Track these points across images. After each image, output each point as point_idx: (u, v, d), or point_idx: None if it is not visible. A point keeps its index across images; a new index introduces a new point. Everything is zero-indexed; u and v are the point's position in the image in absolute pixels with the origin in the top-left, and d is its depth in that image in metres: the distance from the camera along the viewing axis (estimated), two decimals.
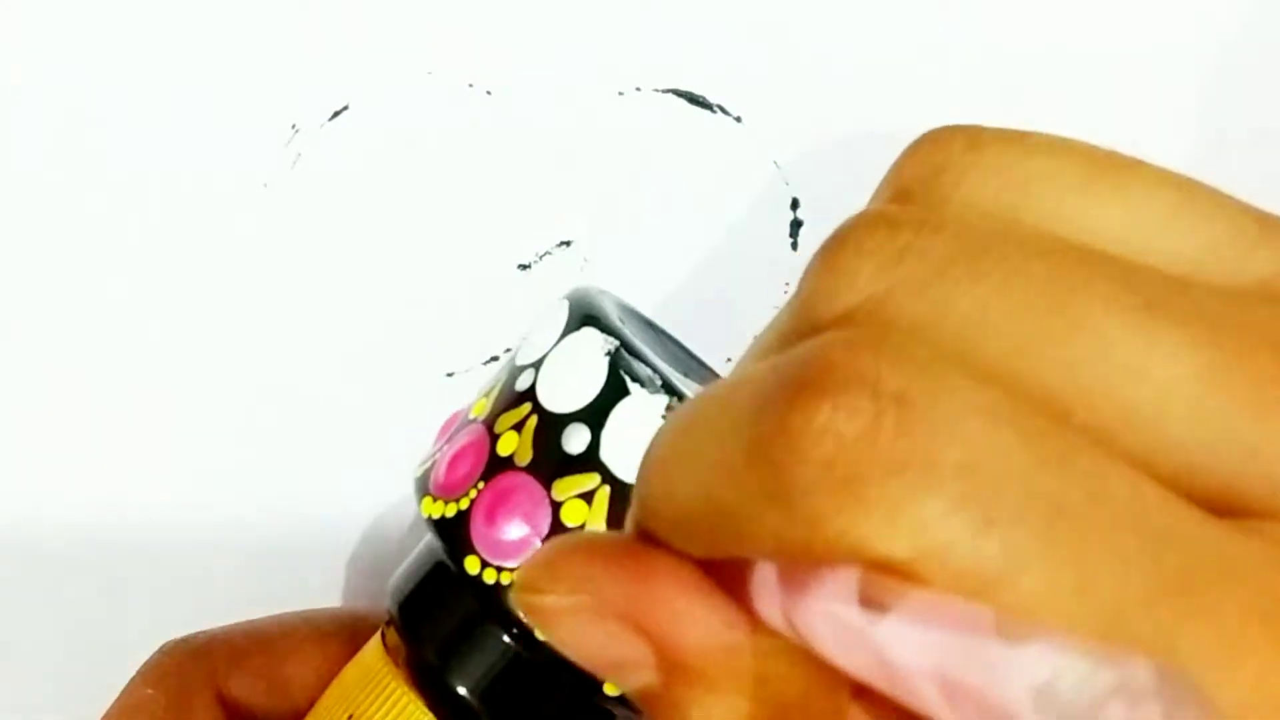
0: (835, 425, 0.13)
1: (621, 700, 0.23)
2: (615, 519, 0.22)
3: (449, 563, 0.24)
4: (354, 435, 0.32)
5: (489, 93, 0.32)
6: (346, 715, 0.25)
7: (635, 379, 0.23)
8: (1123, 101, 0.32)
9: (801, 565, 0.13)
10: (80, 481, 0.32)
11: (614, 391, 0.23)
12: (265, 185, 0.32)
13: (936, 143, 0.17)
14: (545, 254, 0.32)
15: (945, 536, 0.12)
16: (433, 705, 0.24)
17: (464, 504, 0.24)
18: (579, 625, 0.14)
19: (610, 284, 0.32)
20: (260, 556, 0.32)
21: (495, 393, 0.25)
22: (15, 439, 0.32)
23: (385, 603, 0.26)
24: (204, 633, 0.28)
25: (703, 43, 0.32)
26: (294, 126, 0.32)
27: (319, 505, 0.33)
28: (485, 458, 0.24)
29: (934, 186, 0.16)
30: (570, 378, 0.23)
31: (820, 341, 0.13)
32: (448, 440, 0.25)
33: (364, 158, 0.32)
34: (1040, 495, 0.12)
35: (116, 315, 0.32)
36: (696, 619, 0.14)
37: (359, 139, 0.32)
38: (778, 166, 0.32)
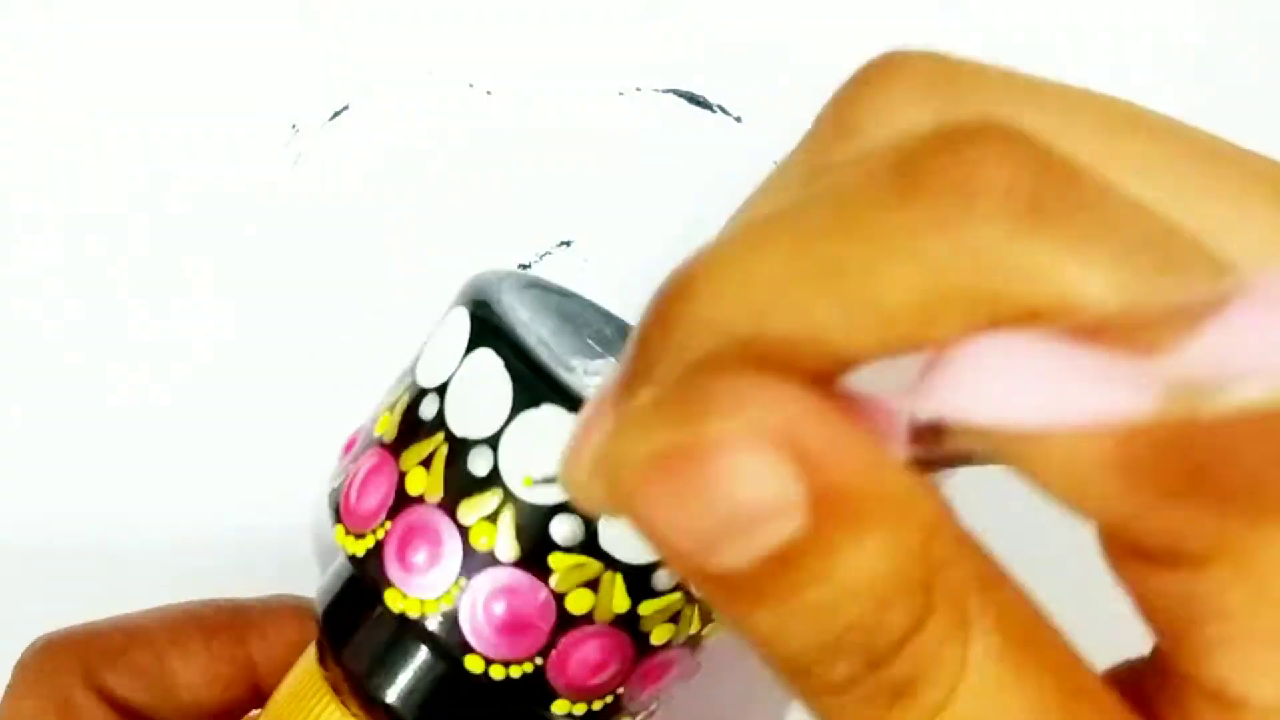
0: (1010, 161, 0.12)
1: (512, 684, 0.23)
2: (519, 533, 0.22)
3: (369, 593, 0.24)
4: None
5: (489, 93, 0.32)
6: None
7: (538, 400, 0.22)
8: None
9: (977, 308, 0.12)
10: (80, 481, 0.32)
11: (517, 412, 0.23)
12: (265, 185, 0.32)
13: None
14: (545, 254, 0.32)
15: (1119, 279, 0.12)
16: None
17: (377, 536, 0.24)
18: (740, 460, 0.12)
19: (610, 284, 0.32)
20: (260, 556, 0.32)
21: (399, 411, 0.24)
22: (15, 439, 0.32)
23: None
24: (75, 629, 0.27)
25: (703, 43, 0.32)
26: (294, 126, 0.32)
27: (319, 505, 0.33)
28: (393, 492, 0.24)
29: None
30: (478, 404, 0.23)
31: (953, 124, 0.13)
32: (353, 460, 0.25)
33: (364, 158, 0.32)
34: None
35: (117, 315, 0.32)
36: (848, 447, 0.12)
37: (359, 139, 0.32)
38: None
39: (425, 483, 0.23)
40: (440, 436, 0.23)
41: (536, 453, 0.22)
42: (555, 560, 0.22)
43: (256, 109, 0.32)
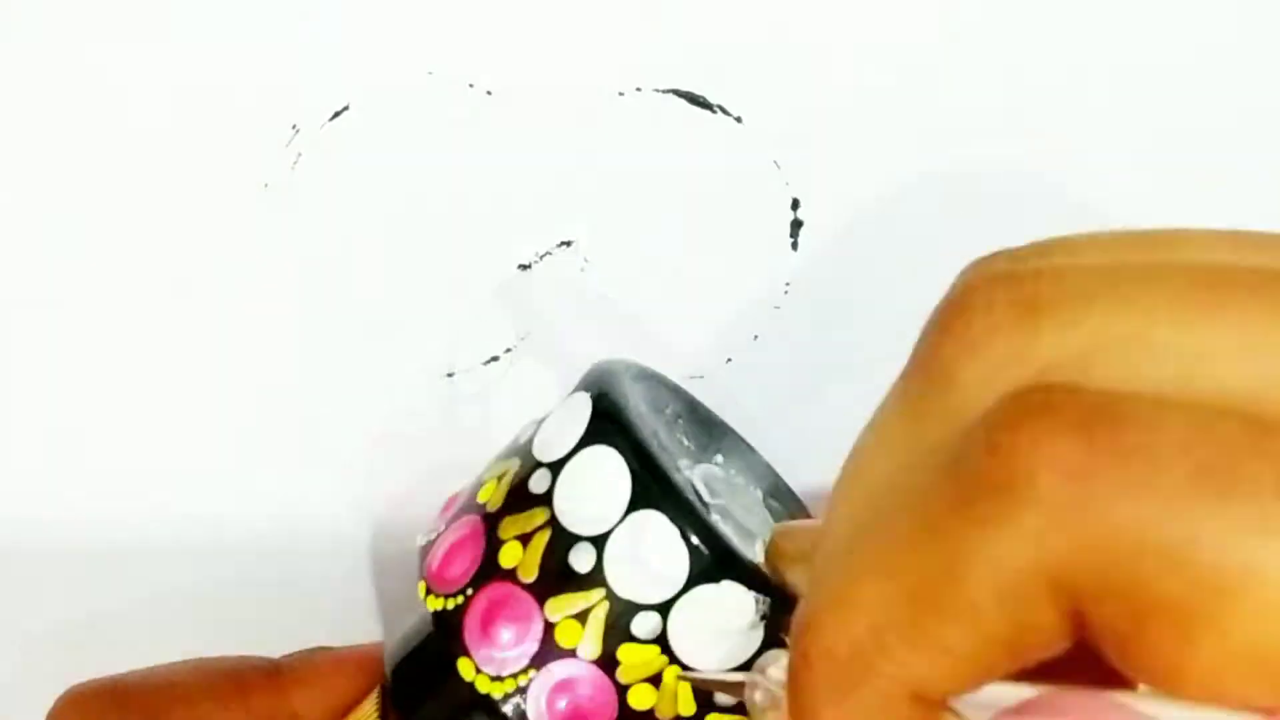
0: (1072, 445, 0.13)
1: None
2: (609, 631, 0.23)
3: (444, 657, 0.24)
4: (354, 435, 0.32)
5: (489, 93, 0.32)
6: None
7: (654, 504, 0.23)
8: (1123, 101, 0.32)
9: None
10: (80, 481, 0.32)
11: (630, 512, 0.23)
12: (265, 185, 0.32)
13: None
14: (545, 254, 0.32)
15: None
16: None
17: (458, 601, 0.24)
18: None
19: (610, 284, 0.32)
20: (260, 556, 0.32)
21: (506, 482, 0.25)
22: (15, 439, 0.32)
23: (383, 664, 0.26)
24: (104, 681, 0.26)
25: (703, 43, 0.32)
26: (294, 126, 0.32)
27: (319, 505, 0.33)
28: (480, 559, 0.24)
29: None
30: (591, 497, 0.23)
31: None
32: (449, 521, 0.25)
33: (364, 158, 0.32)
34: None
35: (117, 315, 0.32)
36: None
37: (359, 139, 0.32)
38: (778, 166, 0.32)
39: (519, 560, 0.23)
40: (544, 516, 0.23)
41: (642, 557, 0.23)
42: (624, 652, 0.23)
43: (256, 109, 0.32)
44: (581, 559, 0.23)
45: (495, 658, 0.23)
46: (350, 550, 0.33)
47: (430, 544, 0.25)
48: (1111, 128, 0.32)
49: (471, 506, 0.25)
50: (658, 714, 0.23)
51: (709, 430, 0.28)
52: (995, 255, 0.16)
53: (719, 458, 0.27)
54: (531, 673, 0.23)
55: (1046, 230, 0.33)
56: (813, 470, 0.31)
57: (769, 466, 0.29)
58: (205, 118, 0.32)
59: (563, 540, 0.23)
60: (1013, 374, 0.14)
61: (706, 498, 0.25)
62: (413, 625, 0.26)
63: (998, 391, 0.14)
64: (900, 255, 0.32)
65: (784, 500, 0.28)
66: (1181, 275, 0.14)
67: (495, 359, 0.32)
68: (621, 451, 0.23)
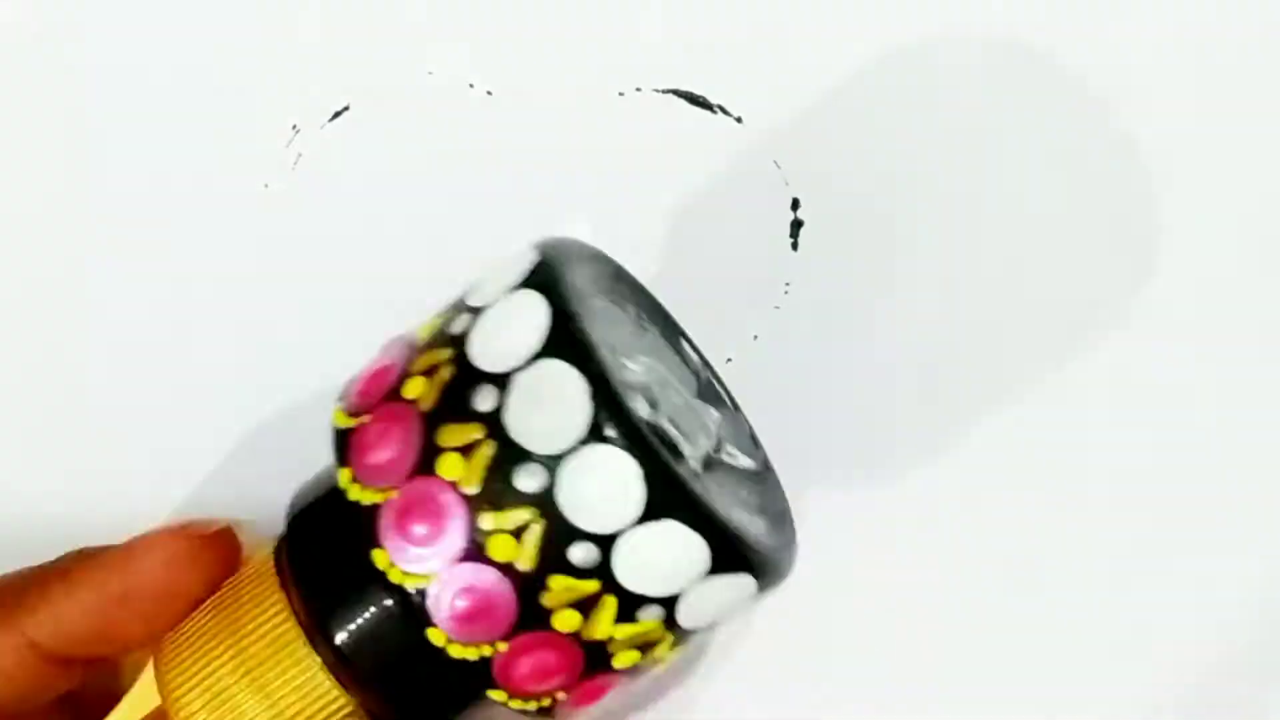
0: None
1: (467, 665, 0.23)
2: (544, 553, 0.22)
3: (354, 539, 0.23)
4: None
5: (489, 93, 0.32)
6: (225, 639, 0.25)
7: (604, 438, 0.22)
8: (1123, 102, 0.32)
9: None
10: (80, 481, 0.32)
11: (586, 443, 0.22)
12: (265, 185, 0.32)
13: None
14: None
15: None
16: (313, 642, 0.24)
17: (387, 496, 0.23)
18: None
19: None
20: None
21: (440, 378, 0.24)
22: (15, 439, 0.32)
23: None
24: None
25: (703, 43, 0.32)
26: (294, 126, 0.32)
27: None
28: (416, 459, 0.23)
29: None
30: (544, 417, 0.22)
31: None
32: (376, 405, 0.25)
33: (364, 158, 0.32)
34: None
35: (116, 315, 0.32)
36: None
37: (359, 139, 0.32)
38: (778, 166, 0.32)
39: (461, 471, 0.23)
40: (483, 430, 0.23)
41: (594, 490, 0.22)
42: (554, 580, 0.23)
43: (256, 109, 0.32)
44: (527, 481, 0.22)
45: (411, 554, 0.23)
46: None
47: (357, 425, 0.24)
48: (1112, 128, 0.32)
49: (396, 397, 0.24)
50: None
51: (641, 315, 0.27)
52: None
53: (644, 357, 0.27)
54: (444, 572, 0.23)
55: (1046, 229, 0.33)
56: (813, 470, 0.31)
57: (697, 361, 0.28)
58: (205, 118, 0.32)
59: (509, 456, 0.22)
60: None
61: (651, 415, 0.25)
62: (314, 490, 0.26)
63: None
64: (900, 255, 0.32)
65: (710, 398, 0.28)
66: None
67: None
68: (583, 373, 0.22)
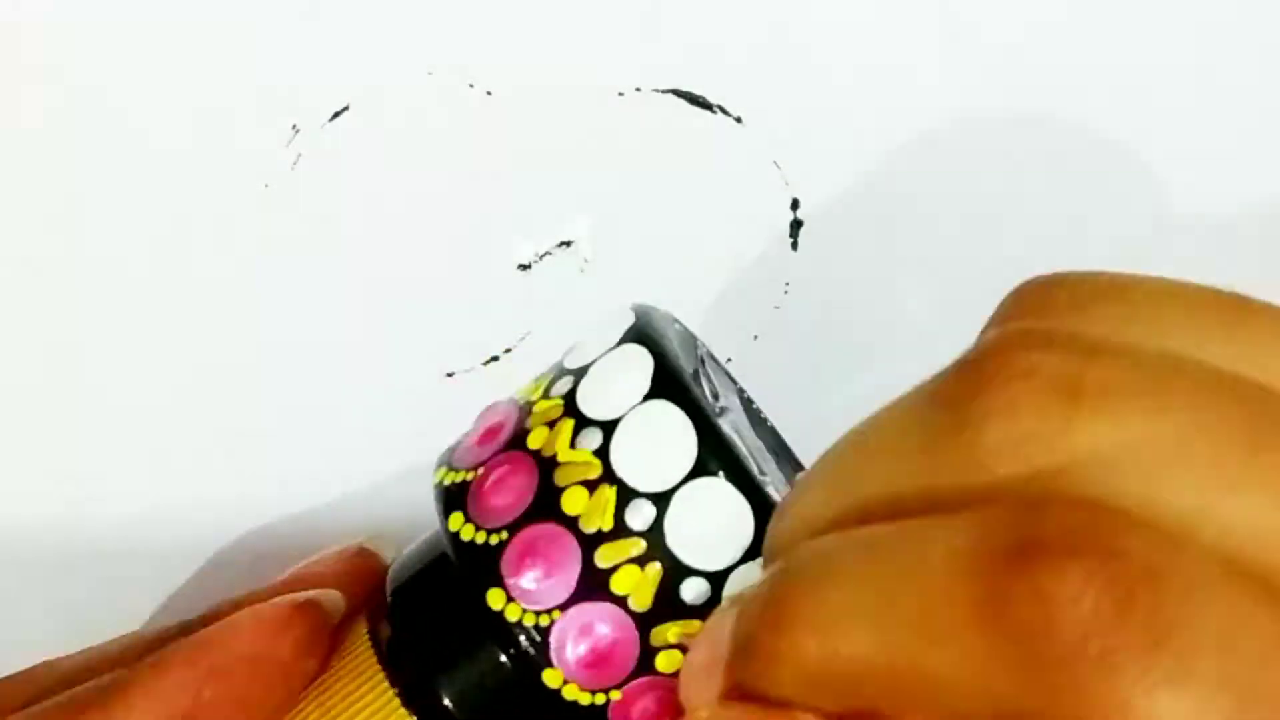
0: (1089, 595, 0.12)
1: None
2: (659, 589, 0.23)
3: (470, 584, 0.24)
4: (353, 435, 0.32)
5: (489, 93, 0.32)
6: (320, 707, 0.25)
7: (713, 470, 0.23)
8: (1124, 104, 0.32)
9: None
10: (80, 481, 0.32)
11: (693, 477, 0.23)
12: (265, 185, 0.32)
13: (1039, 289, 0.16)
14: (545, 254, 0.32)
15: None
16: (414, 708, 0.24)
17: (501, 536, 0.24)
18: None
19: (610, 285, 0.32)
20: (256, 557, 0.32)
21: (560, 433, 0.24)
22: (14, 439, 0.32)
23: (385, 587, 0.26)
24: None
25: (703, 43, 0.32)
26: (294, 127, 0.32)
27: (318, 505, 0.33)
28: (533, 498, 0.24)
29: (1063, 322, 0.16)
30: (650, 455, 0.23)
31: (1048, 502, 0.13)
32: (492, 454, 0.25)
33: (364, 158, 0.32)
34: None
35: (116, 315, 0.32)
36: None
37: (359, 139, 0.32)
38: (778, 166, 0.32)
39: (582, 509, 0.23)
40: (600, 471, 0.23)
41: (700, 521, 0.23)
42: (667, 620, 0.23)
43: (256, 109, 0.32)
44: (636, 518, 0.23)
45: (529, 591, 0.23)
46: None
47: (473, 478, 0.25)
48: (1113, 128, 0.32)
49: (519, 444, 0.25)
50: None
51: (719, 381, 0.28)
52: (1051, 290, 0.16)
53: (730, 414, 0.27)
54: (560, 612, 0.23)
55: (1046, 230, 0.33)
56: None
57: (774, 432, 0.29)
58: (205, 118, 0.32)
59: (624, 497, 0.23)
60: (1040, 454, 0.14)
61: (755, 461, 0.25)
62: (420, 552, 0.26)
63: (1021, 465, 0.14)
64: (900, 255, 0.32)
65: (786, 464, 0.28)
66: (1230, 397, 0.14)
67: (495, 359, 0.32)
68: (684, 409, 0.23)
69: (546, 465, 0.24)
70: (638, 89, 0.32)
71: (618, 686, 0.23)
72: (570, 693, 0.23)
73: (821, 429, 0.32)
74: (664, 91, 0.32)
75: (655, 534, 0.23)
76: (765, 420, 0.29)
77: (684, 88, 0.32)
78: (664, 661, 0.23)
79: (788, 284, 0.32)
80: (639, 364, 0.24)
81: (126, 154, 0.32)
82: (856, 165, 0.32)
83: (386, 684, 0.25)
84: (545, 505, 0.23)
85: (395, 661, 0.25)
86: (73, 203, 0.32)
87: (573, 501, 0.23)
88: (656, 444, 0.23)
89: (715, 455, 0.23)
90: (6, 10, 0.32)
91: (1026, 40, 0.32)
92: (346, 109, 0.32)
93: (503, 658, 0.24)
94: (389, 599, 0.26)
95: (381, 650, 0.25)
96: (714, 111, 0.32)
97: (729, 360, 0.32)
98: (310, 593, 0.27)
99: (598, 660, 0.23)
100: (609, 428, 0.24)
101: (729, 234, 0.32)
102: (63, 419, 0.32)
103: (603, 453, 0.23)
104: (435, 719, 0.24)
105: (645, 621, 0.23)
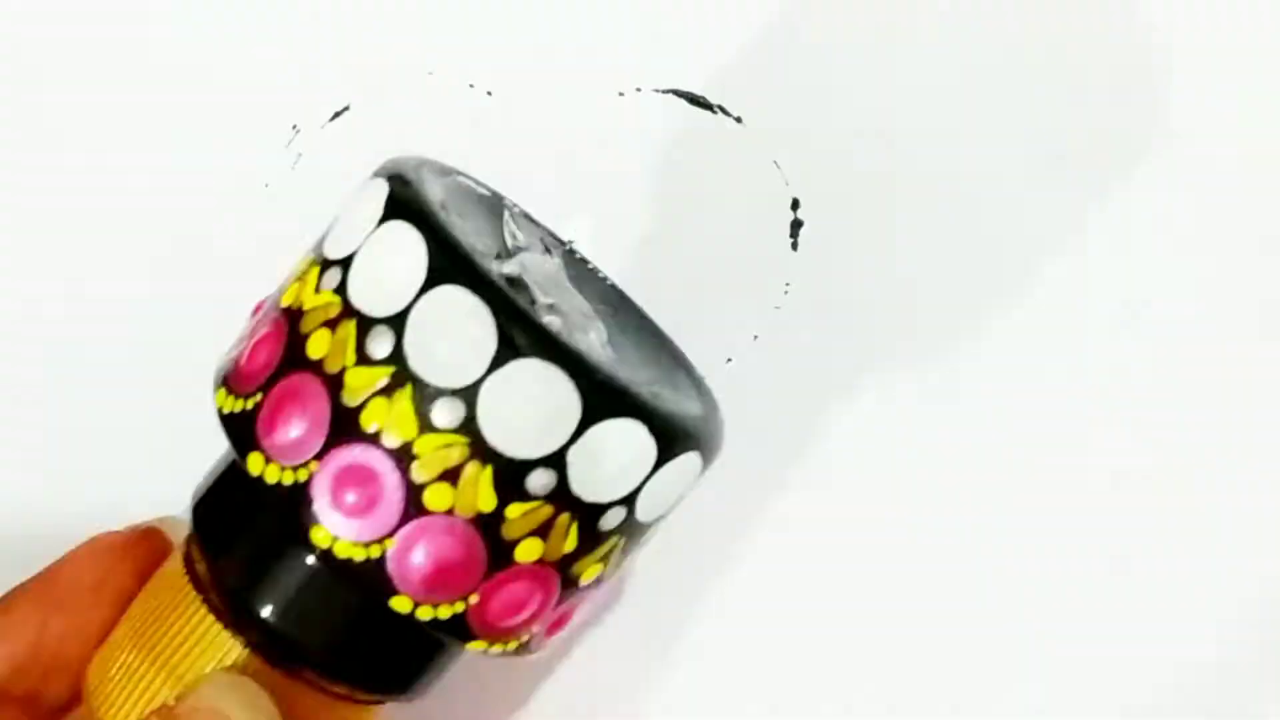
0: None
1: (439, 625, 0.22)
2: (409, 417, 0.21)
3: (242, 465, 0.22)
4: None
5: (489, 93, 0.32)
6: (144, 639, 0.24)
7: (449, 279, 0.21)
8: (1125, 103, 0.32)
9: None
10: (79, 481, 0.32)
11: (426, 290, 0.21)
12: (265, 185, 0.32)
13: None
14: None
15: None
16: (237, 626, 0.23)
17: (257, 399, 0.22)
18: None
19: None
20: None
21: (308, 284, 0.23)
22: (14, 439, 0.32)
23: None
24: None
25: (703, 43, 0.32)
26: (294, 126, 0.32)
27: None
28: (282, 352, 0.22)
29: None
30: (385, 279, 0.22)
31: None
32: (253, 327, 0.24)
33: (364, 158, 0.32)
34: None
35: (116, 315, 0.32)
36: None
37: (359, 139, 0.32)
38: (778, 166, 0.32)
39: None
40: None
41: (443, 333, 0.21)
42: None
43: (256, 109, 0.32)
44: (379, 342, 0.21)
45: (285, 447, 0.22)
46: None
47: (237, 354, 0.24)
48: (1114, 128, 0.32)
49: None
50: (457, 510, 0.21)
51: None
52: None
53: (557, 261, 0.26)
54: (317, 462, 0.21)
55: (1046, 230, 0.33)
56: (814, 471, 0.31)
57: (616, 292, 0.27)
58: (205, 117, 0.32)
59: (361, 325, 0.21)
60: None
61: (529, 289, 0.24)
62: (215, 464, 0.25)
63: None
64: (900, 255, 0.32)
65: (628, 330, 0.27)
66: None
67: None
68: (416, 224, 0.22)
69: (294, 318, 0.23)
70: (638, 89, 0.32)
71: (390, 535, 0.21)
72: (343, 550, 0.21)
73: (820, 429, 0.33)
74: (664, 91, 0.32)
75: (398, 359, 0.21)
76: (606, 279, 0.27)
77: (684, 88, 0.32)
78: (432, 498, 0.21)
79: (788, 284, 0.32)
80: (375, 195, 0.23)
81: (127, 154, 0.32)
82: (856, 165, 0.32)
83: (203, 609, 0.24)
84: (293, 357, 0.22)
85: (210, 584, 0.24)
86: (72, 202, 0.32)
87: (317, 345, 0.22)
88: (391, 266, 0.22)
89: (452, 265, 0.21)
90: (6, 9, 0.32)
91: (1028, 40, 0.32)
92: (346, 109, 0.32)
93: (273, 525, 0.22)
94: (192, 524, 0.25)
95: (195, 573, 0.24)
96: (714, 111, 0.32)
97: (729, 360, 0.32)
98: (151, 519, 0.27)
99: (362, 507, 0.21)
100: (347, 263, 0.22)
101: (729, 234, 0.32)
102: (61, 419, 0.32)
103: (341, 288, 0.22)
104: (252, 629, 0.23)
105: (403, 456, 0.21)
